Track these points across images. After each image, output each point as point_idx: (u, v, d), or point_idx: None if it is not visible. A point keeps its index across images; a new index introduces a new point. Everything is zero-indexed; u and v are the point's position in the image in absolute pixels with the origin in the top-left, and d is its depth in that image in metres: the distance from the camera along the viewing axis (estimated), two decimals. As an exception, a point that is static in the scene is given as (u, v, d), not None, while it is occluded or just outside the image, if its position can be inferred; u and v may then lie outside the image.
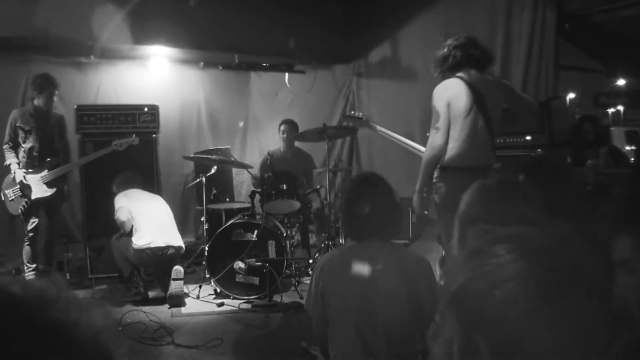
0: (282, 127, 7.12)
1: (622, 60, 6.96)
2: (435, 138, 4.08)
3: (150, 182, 6.51)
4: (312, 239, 7.40)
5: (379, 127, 5.09)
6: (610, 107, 18.76)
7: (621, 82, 18.19)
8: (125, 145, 6.15)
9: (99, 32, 6.37)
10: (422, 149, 4.48)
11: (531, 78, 5.95)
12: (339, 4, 7.96)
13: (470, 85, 4.05)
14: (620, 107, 19.56)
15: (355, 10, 8.00)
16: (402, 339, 2.77)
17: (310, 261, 6.21)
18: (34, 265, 6.12)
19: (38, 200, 5.99)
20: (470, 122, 4.04)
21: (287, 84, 8.16)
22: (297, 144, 7.20)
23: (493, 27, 6.30)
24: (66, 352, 0.71)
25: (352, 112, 5.26)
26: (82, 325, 0.74)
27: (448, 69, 4.15)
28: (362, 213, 2.91)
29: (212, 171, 6.38)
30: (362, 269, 2.82)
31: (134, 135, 6.23)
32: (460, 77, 4.11)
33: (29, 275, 6.06)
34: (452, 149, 4.07)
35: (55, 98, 6.15)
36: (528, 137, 5.08)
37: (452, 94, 4.06)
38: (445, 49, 4.17)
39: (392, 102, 7.78)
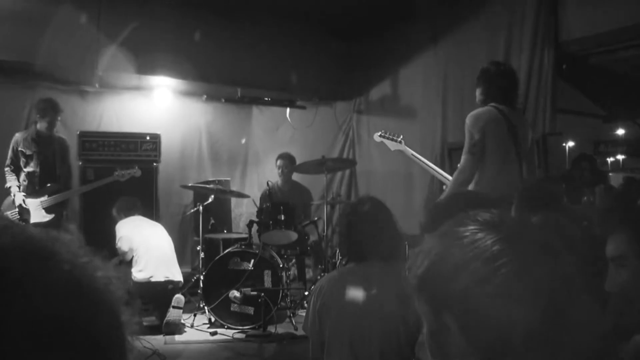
0: (278, 162, 7.14)
1: (620, 102, 7.05)
2: (470, 163, 4.13)
3: (149, 211, 6.54)
4: (309, 274, 7.38)
5: (411, 152, 5.16)
6: (609, 156, 18.94)
7: (621, 131, 18.41)
8: (127, 176, 6.20)
9: (104, 62, 6.46)
10: (449, 177, 4.62)
11: (529, 117, 6.02)
12: (341, 42, 8.11)
13: (504, 114, 4.16)
14: (620, 156, 19.75)
15: (356, 48, 8.15)
16: (397, 361, 2.76)
17: (306, 293, 6.19)
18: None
19: (36, 225, 5.99)
20: (503, 152, 4.12)
21: (289, 119, 8.26)
22: (295, 177, 7.24)
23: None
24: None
25: (388, 133, 5.35)
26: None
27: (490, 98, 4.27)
28: (361, 234, 2.93)
29: (210, 200, 6.40)
30: (357, 291, 2.83)
31: (136, 167, 6.28)
32: (495, 107, 4.23)
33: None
34: (483, 177, 4.13)
35: (58, 123, 6.18)
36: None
37: (487, 120, 4.15)
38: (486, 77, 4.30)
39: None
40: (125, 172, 6.17)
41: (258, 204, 6.78)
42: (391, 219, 3.02)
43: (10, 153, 6.09)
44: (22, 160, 6.05)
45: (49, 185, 6.07)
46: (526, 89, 6.05)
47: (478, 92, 4.38)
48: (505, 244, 0.92)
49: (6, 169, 6.06)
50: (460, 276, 0.91)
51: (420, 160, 5.12)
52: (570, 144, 16.38)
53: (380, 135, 5.40)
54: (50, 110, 6.03)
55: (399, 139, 5.24)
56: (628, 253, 1.63)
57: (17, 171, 6.06)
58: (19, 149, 6.06)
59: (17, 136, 6.14)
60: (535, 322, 0.89)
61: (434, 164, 5.25)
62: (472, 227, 0.97)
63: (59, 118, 6.16)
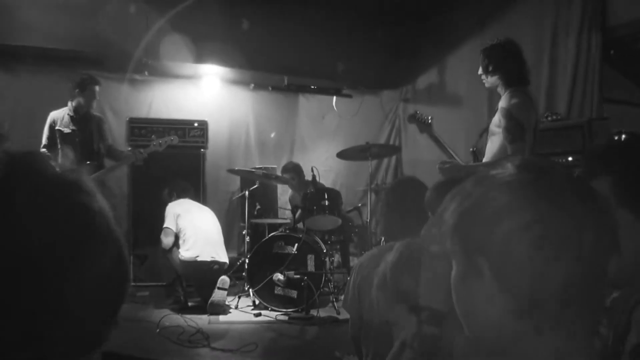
0: (285, 176, 7.01)
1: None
2: (521, 151, 3.95)
3: (197, 197, 6.67)
4: (353, 261, 7.40)
5: (439, 136, 4.99)
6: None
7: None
8: (165, 144, 5.96)
9: (153, 50, 6.60)
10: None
11: (576, 103, 5.91)
12: (388, 30, 8.08)
13: (533, 99, 4.08)
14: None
15: (403, 36, 8.10)
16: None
17: (349, 279, 6.20)
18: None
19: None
20: (531, 140, 4.02)
21: (335, 108, 8.29)
22: (340, 164, 7.25)
23: (539, 53, 6.30)
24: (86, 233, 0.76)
25: (419, 113, 5.15)
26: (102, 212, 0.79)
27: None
28: (398, 212, 2.95)
29: (256, 185, 6.49)
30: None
31: (173, 135, 6.11)
32: (523, 91, 4.08)
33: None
34: None
35: (97, 97, 6.00)
36: (570, 158, 5.03)
37: (531, 108, 4.06)
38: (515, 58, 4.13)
39: (438, 127, 7.79)
40: (162, 140, 5.95)
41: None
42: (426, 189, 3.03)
43: (47, 132, 5.93)
44: (60, 139, 5.89)
45: (87, 163, 5.88)
46: (573, 75, 5.94)
47: (497, 75, 4.12)
48: (546, 191, 0.93)
49: (42, 150, 5.81)
50: (502, 221, 0.91)
51: (444, 145, 4.92)
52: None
53: (410, 116, 5.19)
54: (90, 82, 5.88)
55: (429, 120, 5.02)
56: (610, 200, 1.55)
57: (53, 150, 5.86)
58: (57, 127, 5.91)
59: (54, 114, 5.96)
60: (576, 277, 0.89)
61: (477, 152, 5.10)
62: (513, 172, 0.97)
63: (97, 89, 5.95)
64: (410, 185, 3.11)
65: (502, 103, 4.08)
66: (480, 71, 4.25)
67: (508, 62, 4.10)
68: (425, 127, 4.99)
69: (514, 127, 3.98)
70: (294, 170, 7.06)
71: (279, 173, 7.60)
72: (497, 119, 4.12)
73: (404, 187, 3.08)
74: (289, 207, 6.98)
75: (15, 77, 6.82)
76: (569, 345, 0.91)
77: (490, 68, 4.16)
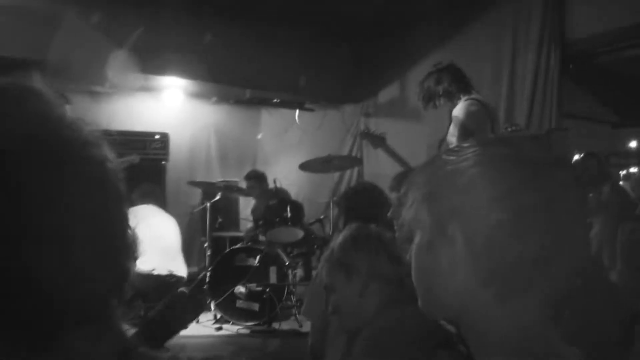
0: (247, 184, 7.04)
1: (631, 106, 7.01)
2: None
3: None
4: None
5: (394, 149, 5.04)
6: (622, 169, 18.76)
7: (633, 143, 18.28)
8: (126, 164, 5.82)
9: (113, 62, 6.50)
10: None
11: (535, 117, 6.01)
12: (349, 45, 8.14)
13: (488, 108, 4.15)
14: (633, 169, 19.59)
15: (365, 51, 8.18)
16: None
17: (312, 292, 6.18)
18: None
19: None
20: None
21: (297, 121, 8.29)
22: (303, 176, 7.23)
23: (499, 68, 6.41)
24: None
25: (370, 129, 5.21)
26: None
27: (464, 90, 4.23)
28: (362, 217, 2.96)
29: (217, 197, 6.43)
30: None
31: (134, 154, 6.05)
32: (478, 100, 4.18)
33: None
34: None
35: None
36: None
37: (484, 114, 4.14)
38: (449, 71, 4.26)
39: (399, 142, 7.83)
40: (124, 160, 5.80)
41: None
42: (384, 194, 3.07)
43: None
44: None
45: None
46: (532, 90, 6.04)
47: (444, 86, 4.27)
48: (518, 163, 0.94)
49: None
50: (476, 189, 0.92)
51: (398, 159, 4.97)
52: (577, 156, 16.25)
53: (362, 133, 5.26)
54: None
55: (381, 134, 5.08)
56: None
57: None
58: None
59: None
60: (545, 249, 0.89)
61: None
62: (481, 150, 0.98)
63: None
64: (367, 190, 3.14)
65: (454, 112, 4.19)
66: (428, 104, 4.35)
67: (443, 84, 4.26)
68: (378, 141, 5.05)
69: (464, 135, 4.08)
70: (256, 178, 7.01)
71: (241, 186, 7.56)
72: (451, 127, 4.21)
73: (361, 192, 3.10)
74: (252, 218, 6.91)
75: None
76: (530, 316, 0.91)
77: (431, 96, 4.33)
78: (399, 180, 2.52)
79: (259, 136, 8.52)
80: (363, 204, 3.11)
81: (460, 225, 0.93)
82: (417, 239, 1.01)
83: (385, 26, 7.52)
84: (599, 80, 6.25)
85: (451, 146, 3.53)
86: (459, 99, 4.23)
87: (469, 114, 4.10)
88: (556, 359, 0.90)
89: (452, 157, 0.98)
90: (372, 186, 3.30)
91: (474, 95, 4.24)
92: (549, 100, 5.95)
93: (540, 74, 5.96)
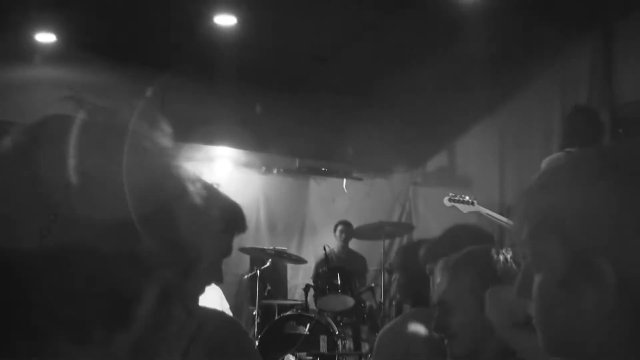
0: (339, 228, 7.18)
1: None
2: None
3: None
4: (365, 347, 7.20)
5: (487, 211, 5.04)
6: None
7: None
8: None
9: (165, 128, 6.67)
10: None
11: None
12: (397, 115, 8.23)
13: None
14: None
15: (412, 120, 8.24)
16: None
17: (362, 360, 6.05)
18: None
19: None
20: None
21: (345, 190, 8.34)
22: (353, 245, 7.23)
23: (549, 135, 6.39)
24: None
25: (459, 196, 5.24)
26: None
27: None
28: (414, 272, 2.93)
29: (267, 264, 6.43)
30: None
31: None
32: None
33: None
34: None
35: None
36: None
37: None
38: None
39: (448, 210, 7.81)
40: None
41: (314, 270, 6.77)
42: None
43: None
44: None
45: None
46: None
47: None
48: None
49: None
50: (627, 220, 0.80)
51: (497, 218, 5.01)
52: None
53: (450, 199, 5.31)
54: None
55: (472, 200, 5.14)
56: None
57: None
58: None
59: None
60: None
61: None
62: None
63: None
64: (418, 246, 3.11)
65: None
66: None
67: None
68: (468, 207, 5.05)
69: None
70: (349, 225, 7.29)
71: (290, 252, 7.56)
72: None
73: (413, 248, 3.07)
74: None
75: None
76: None
77: None
78: (430, 252, 2.50)
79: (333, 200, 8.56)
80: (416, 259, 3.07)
81: (610, 260, 0.80)
82: (543, 275, 0.89)
83: (432, 94, 7.59)
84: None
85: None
86: None
87: None
88: None
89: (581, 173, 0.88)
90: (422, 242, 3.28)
91: None
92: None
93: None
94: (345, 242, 7.12)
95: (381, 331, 3.17)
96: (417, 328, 2.77)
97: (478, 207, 5.05)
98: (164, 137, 0.80)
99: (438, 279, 1.93)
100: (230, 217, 1.98)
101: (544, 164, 4.26)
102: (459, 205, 5.18)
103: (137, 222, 0.68)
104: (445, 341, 1.85)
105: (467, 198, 5.17)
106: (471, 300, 1.76)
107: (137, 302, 0.69)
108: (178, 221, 0.74)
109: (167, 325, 0.74)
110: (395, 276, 3.53)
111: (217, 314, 2.30)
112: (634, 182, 0.82)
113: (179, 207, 0.74)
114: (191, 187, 0.78)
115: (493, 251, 1.72)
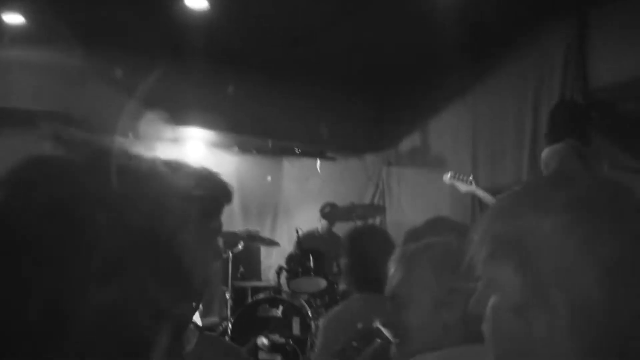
0: (326, 209, 7.22)
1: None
2: None
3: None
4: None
5: (484, 194, 5.09)
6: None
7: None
8: None
9: (136, 113, 6.57)
10: None
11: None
12: (371, 95, 8.20)
13: None
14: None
15: (386, 100, 8.23)
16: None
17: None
18: None
19: None
20: None
21: (319, 170, 8.31)
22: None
23: (521, 119, 6.41)
24: None
25: (458, 174, 5.31)
26: None
27: None
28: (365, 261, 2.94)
29: (239, 247, 6.41)
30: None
31: None
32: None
33: None
34: None
35: None
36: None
37: None
38: None
39: (421, 191, 7.85)
40: None
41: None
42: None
43: None
44: None
45: None
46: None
47: None
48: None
49: None
50: (583, 249, 0.79)
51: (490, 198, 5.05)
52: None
53: (451, 177, 5.37)
54: None
55: (470, 179, 5.21)
56: None
57: None
58: None
59: None
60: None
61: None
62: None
63: None
64: (370, 233, 3.10)
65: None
66: None
67: None
68: (466, 186, 5.13)
69: None
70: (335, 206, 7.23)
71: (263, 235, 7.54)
72: None
73: (360, 231, 3.06)
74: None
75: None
76: None
77: None
78: (411, 236, 2.44)
79: (269, 178, 8.50)
80: (366, 248, 3.05)
81: (563, 291, 0.80)
82: (497, 298, 0.87)
83: (407, 76, 7.57)
84: (623, 129, 6.20)
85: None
86: None
87: None
88: None
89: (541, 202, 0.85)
90: (374, 229, 3.26)
91: None
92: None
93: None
94: (330, 224, 7.12)
95: (323, 317, 3.17)
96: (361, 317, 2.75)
97: (475, 188, 5.12)
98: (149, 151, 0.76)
99: (392, 270, 1.77)
100: (212, 193, 1.81)
101: (544, 155, 4.26)
102: (458, 183, 5.26)
103: (143, 262, 0.65)
104: (395, 340, 1.74)
105: (466, 178, 5.24)
106: (426, 297, 1.65)
107: (153, 347, 0.65)
108: (184, 253, 0.69)
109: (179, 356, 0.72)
110: (341, 260, 3.49)
111: (217, 341, 2.24)
112: (594, 221, 0.81)
113: (183, 238, 0.70)
114: (192, 211, 0.74)
115: (455, 244, 1.61)
